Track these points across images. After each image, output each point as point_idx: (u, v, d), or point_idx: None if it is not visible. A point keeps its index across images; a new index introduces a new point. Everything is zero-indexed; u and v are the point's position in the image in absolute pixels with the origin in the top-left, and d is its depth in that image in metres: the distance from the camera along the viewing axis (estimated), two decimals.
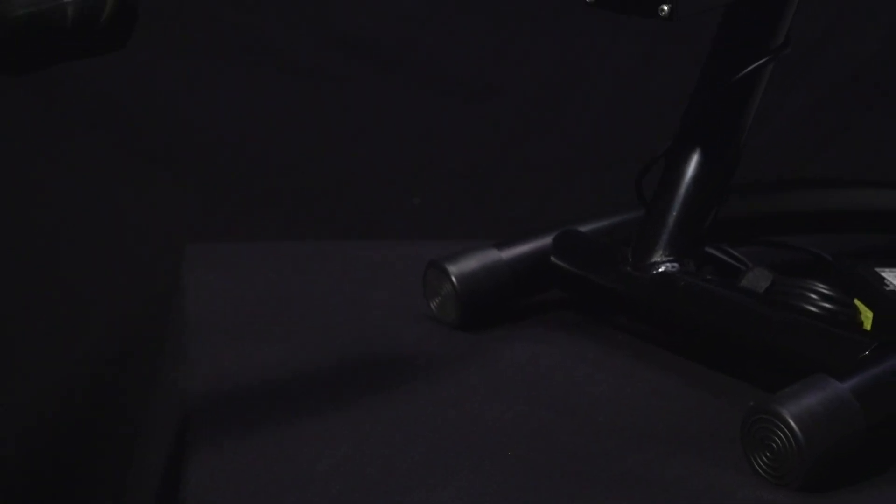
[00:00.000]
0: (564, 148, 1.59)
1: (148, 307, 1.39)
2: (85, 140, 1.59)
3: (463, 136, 1.68)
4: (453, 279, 0.84)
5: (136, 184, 1.60)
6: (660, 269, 0.80)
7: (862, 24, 1.75)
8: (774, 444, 0.64)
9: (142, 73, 1.58)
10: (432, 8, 1.59)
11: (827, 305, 0.78)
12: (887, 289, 0.80)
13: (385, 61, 1.67)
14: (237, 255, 0.99)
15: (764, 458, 0.65)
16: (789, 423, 0.63)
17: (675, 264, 0.80)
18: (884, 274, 0.83)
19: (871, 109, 1.74)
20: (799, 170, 1.72)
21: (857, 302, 0.81)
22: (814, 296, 0.79)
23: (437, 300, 0.85)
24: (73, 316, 1.48)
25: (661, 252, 0.80)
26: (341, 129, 1.68)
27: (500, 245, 0.86)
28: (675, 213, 0.81)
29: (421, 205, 1.70)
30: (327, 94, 1.67)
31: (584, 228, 0.88)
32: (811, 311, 0.77)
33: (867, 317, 0.79)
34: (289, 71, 1.64)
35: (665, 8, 0.66)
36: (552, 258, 0.85)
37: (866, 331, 0.77)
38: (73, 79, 1.56)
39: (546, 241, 0.86)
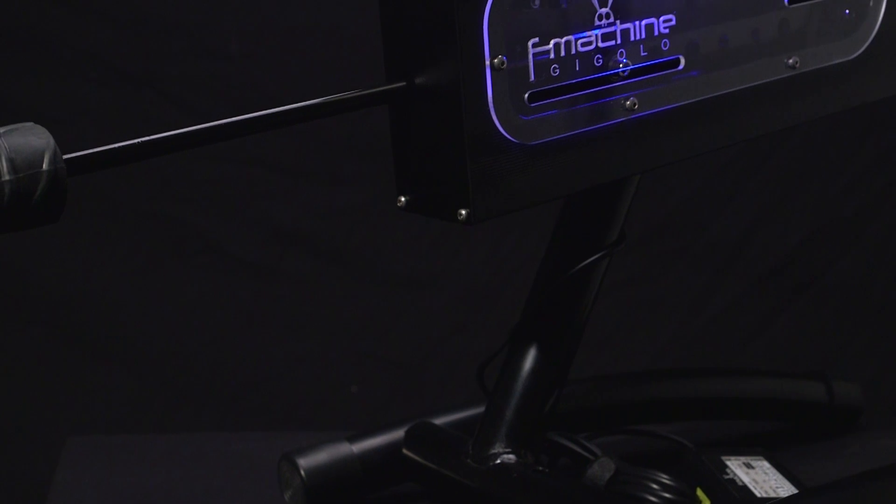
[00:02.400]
0: (500, 338, 1.61)
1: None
2: (14, 325, 1.62)
3: (399, 326, 1.70)
4: (302, 472, 0.85)
5: (62, 370, 1.63)
6: (497, 461, 0.81)
7: (785, 217, 1.79)
8: None
9: (74, 262, 1.62)
10: (369, 202, 1.63)
11: (666, 495, 0.79)
12: (726, 477, 0.81)
13: (322, 254, 1.70)
14: (116, 447, 1.00)
15: None
16: None
17: (512, 456, 0.81)
18: (728, 462, 0.84)
19: (792, 302, 1.77)
20: (728, 359, 1.74)
21: (699, 491, 0.81)
22: (654, 486, 0.79)
23: (290, 492, 0.86)
24: None
25: (499, 443, 0.81)
26: (278, 320, 1.70)
27: (353, 438, 0.87)
28: (513, 404, 0.82)
29: (358, 393, 1.71)
30: (265, 285, 1.70)
31: (438, 420, 0.89)
32: (649, 501, 0.77)
33: None
34: (226, 263, 1.67)
35: (463, 212, 0.69)
36: (404, 450, 0.86)
37: None
38: (8, 269, 1.60)
39: (400, 433, 0.87)
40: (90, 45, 1.60)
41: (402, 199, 0.72)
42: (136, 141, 0.62)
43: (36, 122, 0.62)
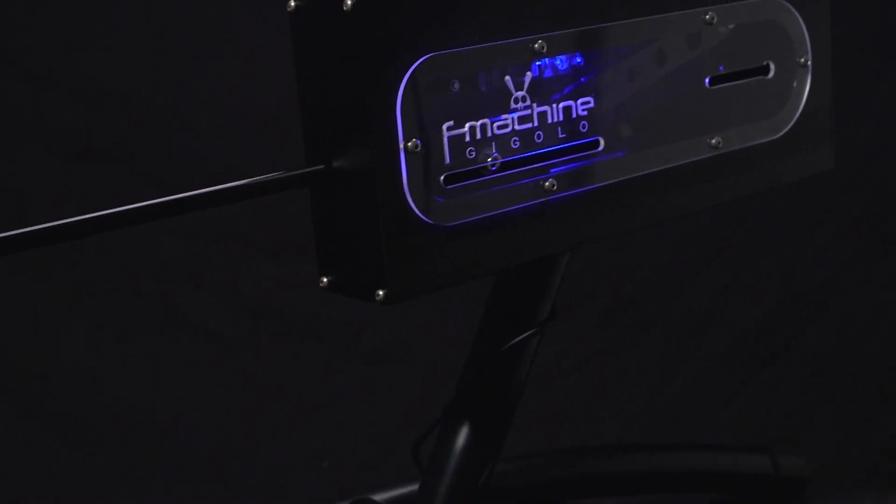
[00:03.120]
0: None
1: None
2: None
3: (371, 400, 1.71)
4: None
5: (36, 449, 1.63)
6: None
7: (756, 285, 1.80)
8: None
9: (47, 335, 1.63)
10: None
11: None
12: None
13: (294, 328, 1.72)
14: None
15: None
16: None
17: None
18: None
19: (763, 369, 1.78)
20: (697, 430, 1.74)
21: None
22: None
23: None
24: None
25: None
26: (250, 394, 1.71)
27: None
28: (446, 481, 0.83)
29: (329, 468, 1.71)
30: (237, 360, 1.71)
31: (380, 496, 0.89)
32: None
33: None
34: (199, 337, 1.69)
35: (380, 293, 0.70)
36: None
37: None
38: None
39: None
40: (59, 121, 1.62)
41: (324, 279, 0.73)
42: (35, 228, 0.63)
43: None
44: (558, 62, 0.75)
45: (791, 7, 0.85)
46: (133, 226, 0.68)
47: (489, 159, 0.72)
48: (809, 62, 0.87)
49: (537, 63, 0.74)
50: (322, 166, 0.71)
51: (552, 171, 0.75)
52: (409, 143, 0.69)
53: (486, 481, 0.84)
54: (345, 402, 1.73)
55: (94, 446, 1.67)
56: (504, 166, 0.73)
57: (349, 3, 0.67)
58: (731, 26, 0.82)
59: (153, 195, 0.68)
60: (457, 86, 0.71)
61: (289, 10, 0.70)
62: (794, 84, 0.86)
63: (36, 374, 1.66)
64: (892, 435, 1.78)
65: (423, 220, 0.70)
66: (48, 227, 0.64)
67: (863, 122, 1.80)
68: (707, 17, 0.81)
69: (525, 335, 0.83)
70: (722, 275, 1.79)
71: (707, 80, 0.82)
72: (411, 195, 0.69)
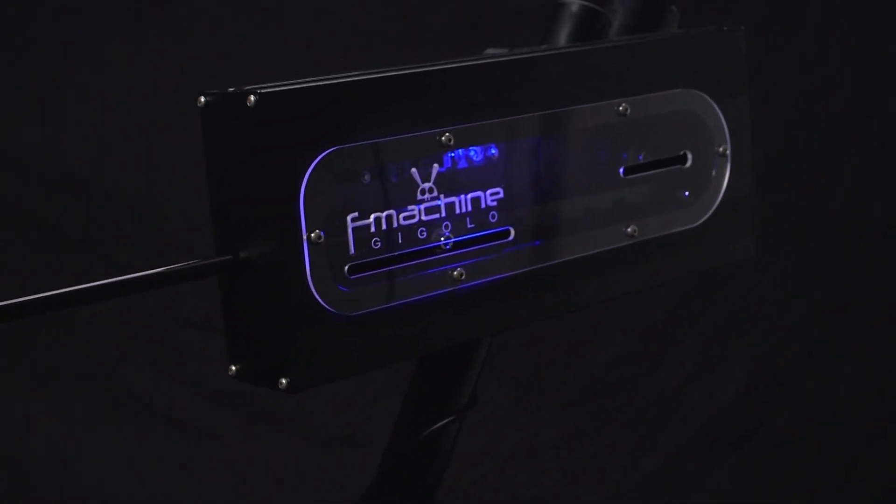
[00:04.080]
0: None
1: None
2: None
3: (335, 484, 1.71)
4: None
5: None
6: None
7: (724, 367, 1.81)
8: None
9: (8, 419, 1.64)
10: None
11: None
12: None
13: (257, 413, 1.72)
14: None
15: None
16: None
17: None
18: None
19: (729, 456, 1.77)
20: None
21: None
22: None
23: None
24: None
25: None
26: (213, 479, 1.71)
27: None
28: None
29: None
30: (200, 445, 1.71)
31: None
32: None
33: None
34: (161, 422, 1.69)
35: (283, 382, 0.71)
36: None
37: None
38: None
39: None
40: (30, 208, 1.65)
41: (233, 367, 0.74)
42: None
43: None
44: (471, 153, 0.77)
45: (707, 97, 0.87)
46: (42, 314, 0.69)
47: (442, 239, 0.74)
48: (728, 151, 0.88)
49: (447, 155, 0.75)
50: (230, 256, 0.72)
51: (461, 261, 0.76)
52: (313, 235, 0.70)
53: None
54: (312, 487, 1.73)
55: None
56: (407, 257, 0.74)
57: (252, 99, 0.69)
58: (645, 117, 0.84)
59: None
60: (367, 177, 0.73)
61: (199, 105, 0.72)
62: (713, 173, 0.88)
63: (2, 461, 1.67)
64: None
65: (327, 309, 0.71)
66: None
67: (829, 203, 1.82)
68: (620, 108, 0.83)
69: (443, 423, 0.84)
70: (691, 357, 1.80)
71: (621, 169, 0.83)
72: (314, 285, 0.71)
